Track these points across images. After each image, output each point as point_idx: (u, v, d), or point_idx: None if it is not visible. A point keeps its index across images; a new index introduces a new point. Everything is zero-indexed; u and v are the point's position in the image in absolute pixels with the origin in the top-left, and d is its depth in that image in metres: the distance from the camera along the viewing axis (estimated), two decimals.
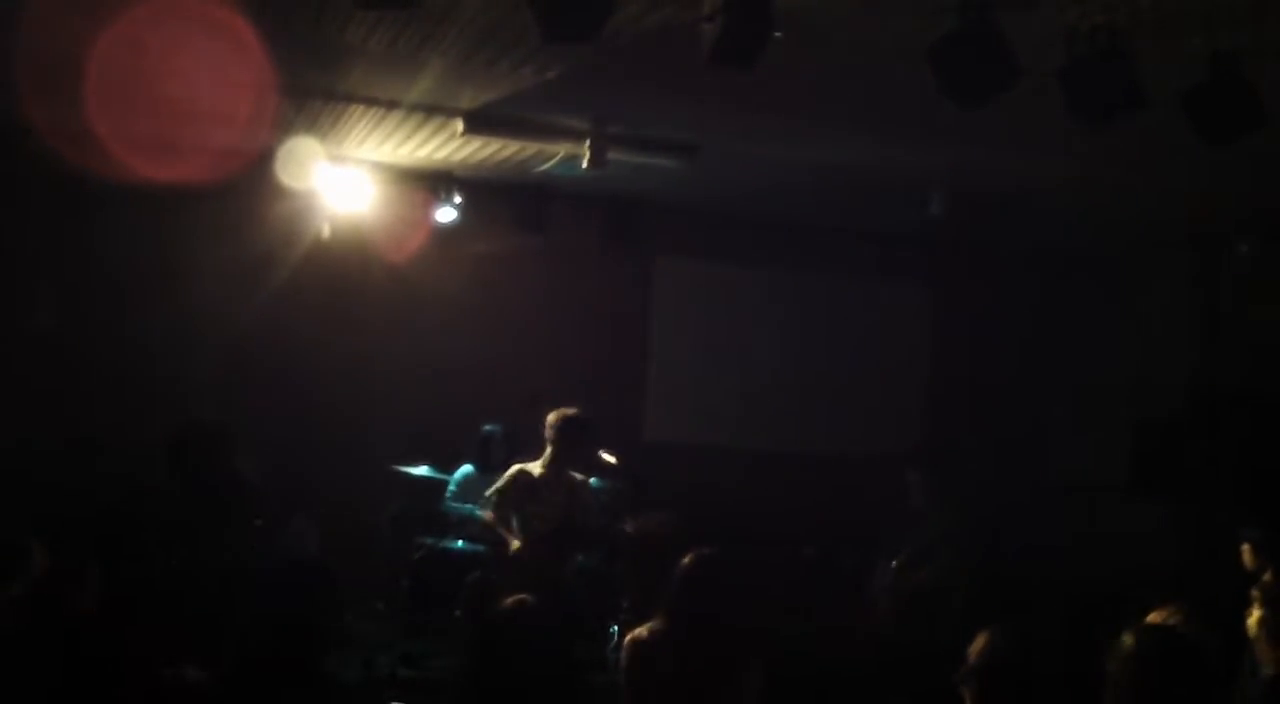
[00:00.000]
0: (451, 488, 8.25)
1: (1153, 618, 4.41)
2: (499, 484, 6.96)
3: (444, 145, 8.06)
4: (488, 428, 8.38)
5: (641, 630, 4.34)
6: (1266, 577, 5.66)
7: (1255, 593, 5.42)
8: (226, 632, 4.81)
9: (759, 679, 4.28)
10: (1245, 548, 6.02)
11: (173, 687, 3.76)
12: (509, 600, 4.04)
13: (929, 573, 7.46)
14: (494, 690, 3.74)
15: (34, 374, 8.23)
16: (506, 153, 8.22)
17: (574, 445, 6.91)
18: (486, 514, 7.02)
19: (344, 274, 9.01)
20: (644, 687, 4.21)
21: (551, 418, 6.93)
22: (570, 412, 6.92)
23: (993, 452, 9.86)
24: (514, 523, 6.86)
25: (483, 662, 3.86)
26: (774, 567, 8.44)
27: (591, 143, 7.35)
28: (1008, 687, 3.65)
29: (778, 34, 4.58)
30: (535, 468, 6.92)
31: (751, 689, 4.26)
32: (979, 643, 3.73)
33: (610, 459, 7.13)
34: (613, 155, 7.45)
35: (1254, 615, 5.19)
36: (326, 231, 8.86)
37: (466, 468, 8.30)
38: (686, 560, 4.39)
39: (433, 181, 8.79)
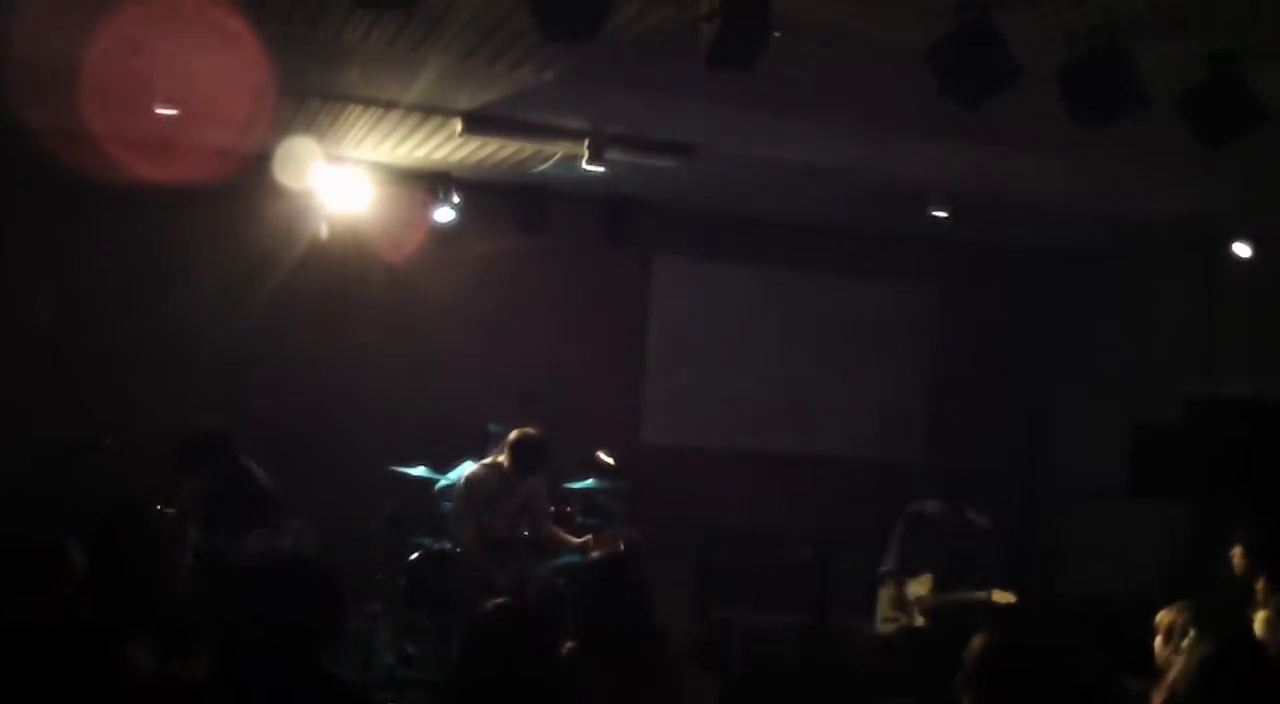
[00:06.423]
0: (450, 487, 8.23)
1: (1158, 618, 4.41)
2: (458, 491, 7.35)
3: (442, 145, 8.05)
4: (492, 427, 8.35)
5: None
6: (1259, 585, 5.62)
7: (1258, 593, 5.38)
8: (226, 631, 4.80)
9: (710, 693, 4.25)
10: (1236, 552, 5.96)
11: (172, 687, 3.76)
12: (492, 602, 4.03)
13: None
14: (482, 690, 3.73)
15: (33, 374, 8.22)
16: (505, 153, 8.21)
17: (527, 469, 7.25)
18: (462, 529, 7.27)
19: (342, 274, 8.99)
20: None
21: (511, 437, 7.24)
22: (528, 433, 7.24)
23: (993, 453, 9.86)
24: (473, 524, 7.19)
25: (469, 661, 3.86)
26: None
27: (590, 143, 7.35)
28: (1005, 688, 3.65)
29: (777, 34, 4.57)
30: (488, 475, 7.26)
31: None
32: (975, 644, 3.74)
33: (609, 460, 7.14)
34: (611, 155, 7.44)
35: (1260, 615, 5.17)
36: (324, 232, 8.84)
37: (466, 465, 8.27)
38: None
39: (431, 182, 8.77)
